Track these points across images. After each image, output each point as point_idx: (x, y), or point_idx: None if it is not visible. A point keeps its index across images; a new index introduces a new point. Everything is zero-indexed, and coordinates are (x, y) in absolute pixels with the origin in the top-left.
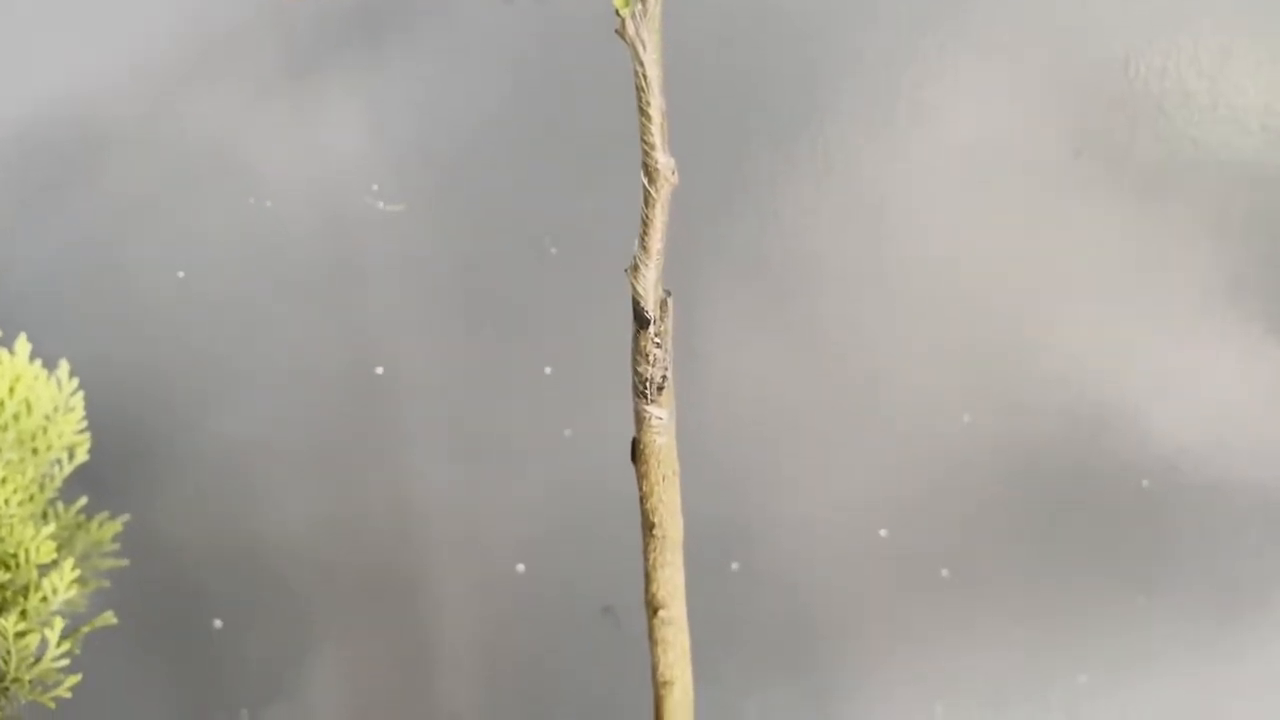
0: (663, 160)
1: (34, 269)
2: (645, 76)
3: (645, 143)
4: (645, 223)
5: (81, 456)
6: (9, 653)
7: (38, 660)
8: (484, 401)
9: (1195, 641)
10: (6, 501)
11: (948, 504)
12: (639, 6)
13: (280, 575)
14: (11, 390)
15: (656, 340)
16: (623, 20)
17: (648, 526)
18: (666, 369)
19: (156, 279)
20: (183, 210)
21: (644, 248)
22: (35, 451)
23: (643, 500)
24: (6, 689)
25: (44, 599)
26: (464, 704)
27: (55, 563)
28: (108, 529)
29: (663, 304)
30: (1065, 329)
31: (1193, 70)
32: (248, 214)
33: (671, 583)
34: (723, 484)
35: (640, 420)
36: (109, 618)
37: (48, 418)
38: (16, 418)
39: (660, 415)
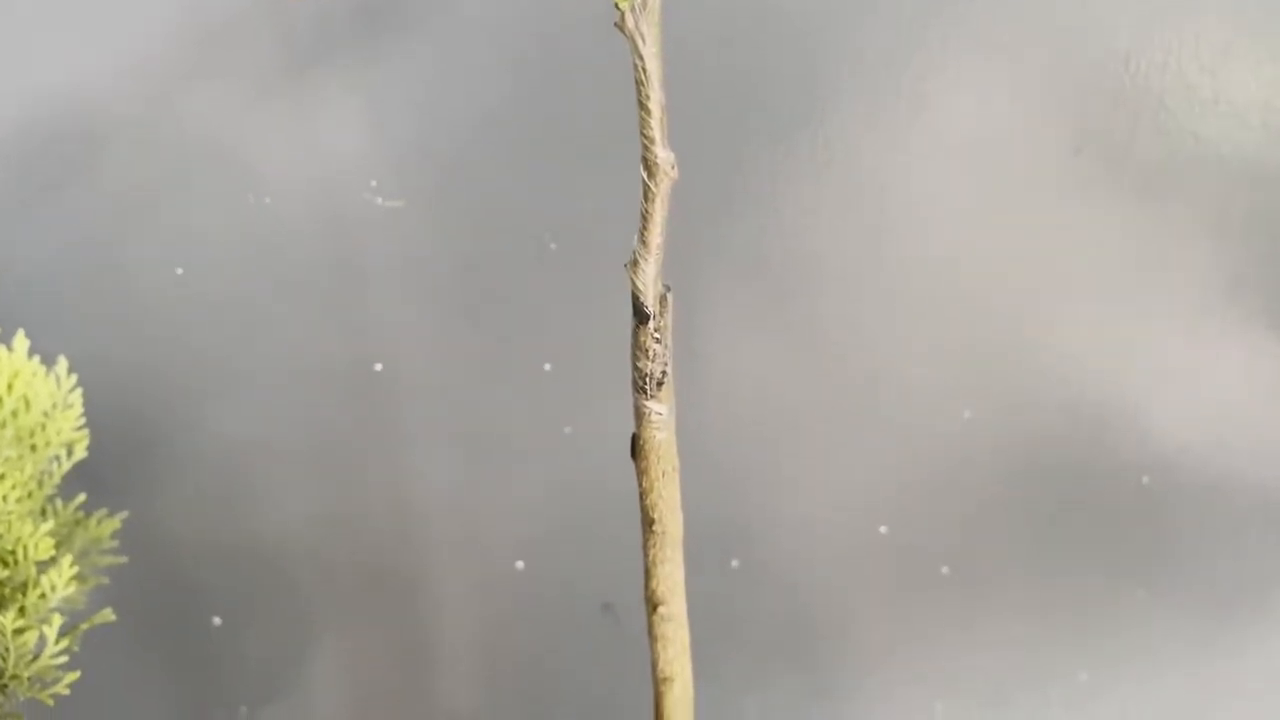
0: (662, 155)
1: (32, 266)
2: (645, 70)
3: (645, 137)
4: (645, 218)
5: (80, 453)
6: (7, 649)
7: (36, 657)
8: (484, 398)
9: (1195, 639)
10: (5, 498)
11: (948, 502)
12: (638, 0)
13: (279, 572)
14: (10, 387)
15: (656, 335)
16: (622, 13)
17: (647, 522)
18: (666, 364)
19: (155, 276)
20: (182, 207)
21: (643, 243)
22: (33, 448)
23: (642, 496)
24: (5, 686)
25: (42, 596)
26: (463, 701)
27: (54, 559)
28: (106, 526)
29: (662, 299)
30: (1065, 327)
31: (1194, 66)
32: (247, 211)
33: (671, 579)
34: (723, 482)
35: (640, 415)
36: (108, 615)
37: (46, 414)
38: (15, 414)
39: (660, 410)
